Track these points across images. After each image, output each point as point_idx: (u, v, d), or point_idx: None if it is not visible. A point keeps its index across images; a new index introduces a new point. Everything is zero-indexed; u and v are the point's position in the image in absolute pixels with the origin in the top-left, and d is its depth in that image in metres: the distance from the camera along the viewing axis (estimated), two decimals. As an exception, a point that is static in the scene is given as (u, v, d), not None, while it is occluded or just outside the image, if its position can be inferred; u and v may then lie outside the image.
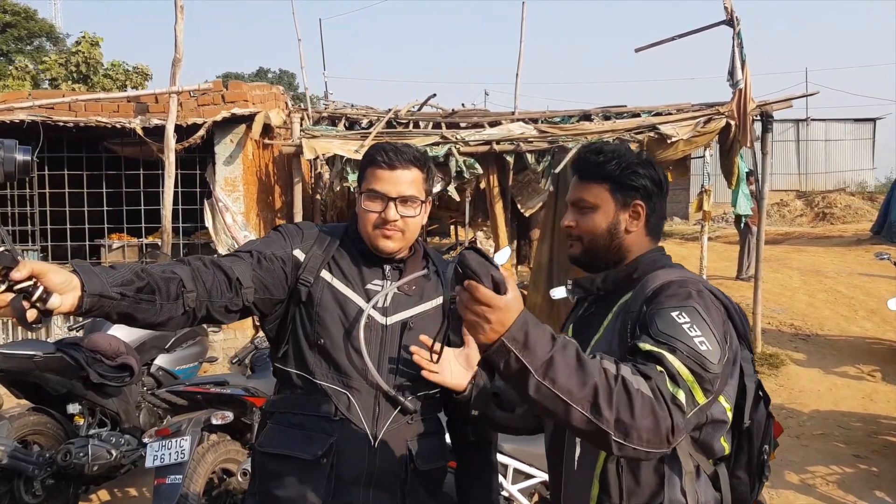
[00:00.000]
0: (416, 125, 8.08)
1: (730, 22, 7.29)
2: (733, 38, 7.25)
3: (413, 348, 1.73)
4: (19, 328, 7.39)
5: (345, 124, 8.41)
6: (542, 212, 8.03)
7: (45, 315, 1.26)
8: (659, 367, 1.25)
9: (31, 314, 1.24)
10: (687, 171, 8.18)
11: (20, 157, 1.27)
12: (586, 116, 8.01)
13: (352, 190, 7.50)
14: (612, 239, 1.59)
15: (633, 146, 7.16)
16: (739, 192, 7.91)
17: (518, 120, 7.85)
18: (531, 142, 7.21)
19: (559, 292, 5.22)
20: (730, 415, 1.45)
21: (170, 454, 3.38)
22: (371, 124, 8.08)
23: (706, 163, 8.47)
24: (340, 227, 1.93)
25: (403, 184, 1.78)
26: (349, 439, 1.71)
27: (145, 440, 3.52)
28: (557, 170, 6.87)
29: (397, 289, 1.82)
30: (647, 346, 1.30)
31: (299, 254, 1.79)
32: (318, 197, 8.08)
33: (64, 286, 1.28)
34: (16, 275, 1.21)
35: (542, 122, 7.78)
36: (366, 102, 9.82)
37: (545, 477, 3.10)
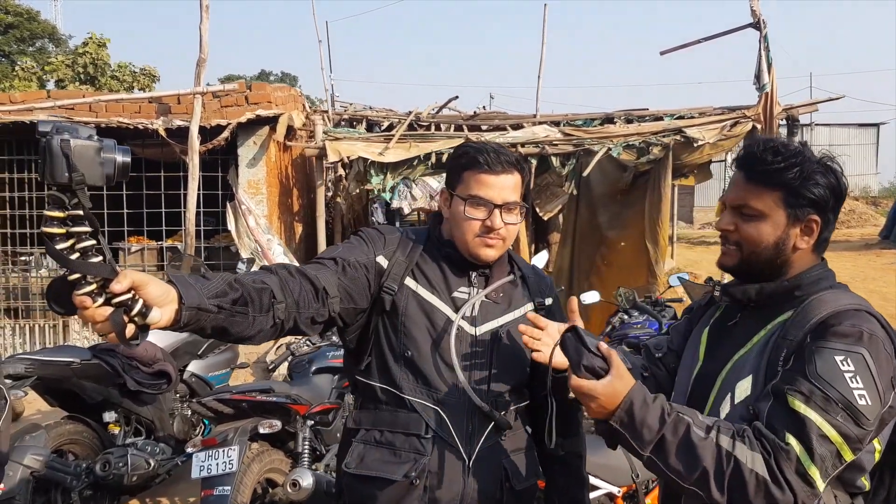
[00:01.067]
0: (438, 127, 8.00)
1: (756, 25, 7.24)
2: (760, 41, 7.19)
3: (521, 327, 1.64)
4: (37, 334, 7.28)
5: (364, 126, 8.34)
6: (560, 215, 7.98)
7: (143, 330, 1.17)
8: (790, 439, 1.20)
9: (130, 329, 1.15)
10: (709, 175, 8.12)
11: (120, 158, 1.15)
12: (609, 119, 7.95)
13: (375, 193, 7.43)
14: (778, 255, 1.42)
15: (656, 150, 7.12)
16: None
17: (540, 123, 7.78)
18: (556, 144, 7.14)
19: (591, 297, 5.09)
20: (878, 456, 1.36)
21: (217, 464, 3.28)
22: (392, 126, 8.00)
23: (729, 166, 8.43)
24: (423, 232, 1.83)
25: (507, 189, 1.68)
26: (443, 459, 1.63)
27: (189, 450, 3.42)
28: (586, 173, 6.80)
29: (485, 297, 1.73)
30: (795, 403, 1.22)
31: (382, 260, 1.69)
32: (338, 200, 7.99)
33: (162, 299, 1.19)
34: (116, 287, 1.12)
35: (564, 125, 7.71)
36: (370, 105, 9.69)
37: (611, 489, 3.02)
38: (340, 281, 1.59)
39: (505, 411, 1.70)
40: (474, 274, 1.74)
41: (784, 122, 7.33)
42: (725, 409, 1.38)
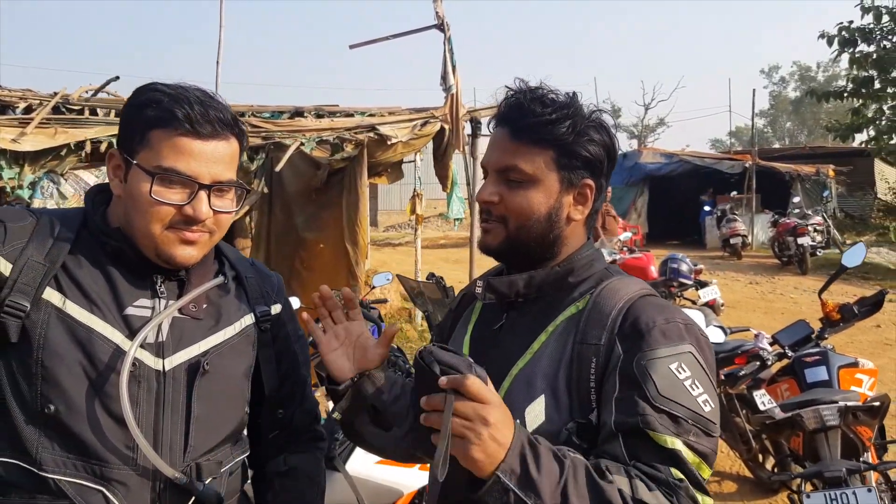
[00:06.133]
0: (94, 112, 6.67)
1: (440, 27, 7.41)
2: (444, 43, 7.38)
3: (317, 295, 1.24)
4: None
5: (-9, 108, 6.59)
6: (248, 217, 7.31)
7: None
8: (676, 473, 1.04)
9: None
10: (401, 175, 8.10)
11: None
12: (299, 113, 7.47)
13: (8, 191, 5.85)
14: (551, 229, 1.21)
15: (350, 147, 6.85)
16: (454, 196, 8.07)
17: (223, 113, 6.94)
18: (243, 137, 6.40)
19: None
20: None
21: None
22: (31, 109, 6.46)
23: (417, 167, 8.54)
24: (74, 216, 1.25)
25: (221, 162, 1.20)
26: None
27: None
28: (279, 168, 6.21)
29: (179, 311, 1.24)
30: (659, 437, 1.05)
31: (2, 263, 1.14)
32: (-48, 200, 6.15)
33: None
34: None
35: (250, 116, 7.02)
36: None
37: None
38: None
39: (215, 477, 1.25)
40: (161, 279, 1.24)
41: (469, 123, 7.61)
42: None
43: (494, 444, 0.95)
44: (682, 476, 1.04)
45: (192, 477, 1.20)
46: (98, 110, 6.79)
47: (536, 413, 1.13)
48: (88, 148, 5.83)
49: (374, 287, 5.70)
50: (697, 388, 1.08)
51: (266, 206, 6.74)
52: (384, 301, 5.43)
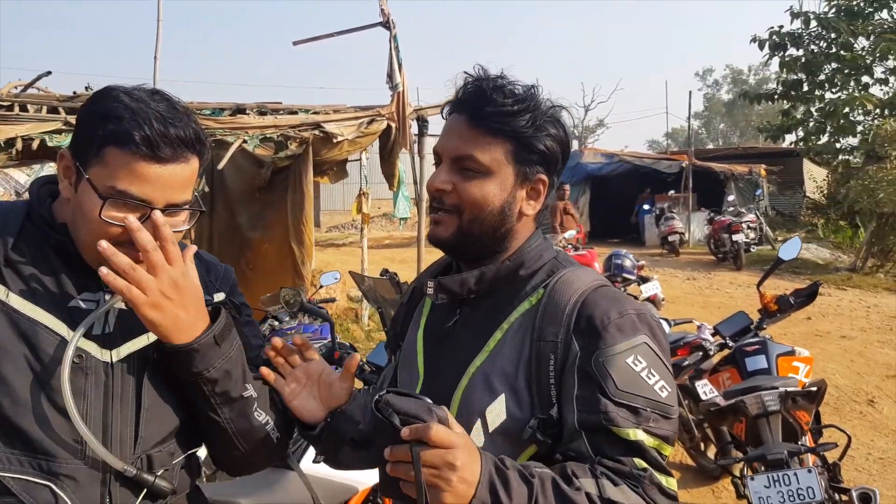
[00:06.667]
0: (24, 109, 6.38)
1: (386, 24, 7.38)
2: (390, 40, 7.35)
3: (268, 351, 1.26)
4: None
5: None
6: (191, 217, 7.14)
7: None
8: (640, 462, 1.08)
9: None
10: (345, 174, 8.04)
11: None
12: (241, 110, 7.29)
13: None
14: (504, 223, 1.20)
15: (294, 145, 6.75)
16: (400, 195, 8.04)
17: (162, 110, 6.73)
18: (183, 135, 6.22)
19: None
20: None
21: None
22: (-46, 105, 6.14)
23: (363, 165, 8.49)
24: (17, 209, 1.23)
25: (177, 187, 1.16)
26: None
27: None
28: (221, 166, 6.06)
29: (123, 303, 1.18)
30: (622, 432, 1.08)
31: None
32: None
33: None
34: None
35: (191, 114, 6.83)
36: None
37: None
38: None
39: (167, 468, 1.23)
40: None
41: (415, 121, 7.60)
42: (478, 441, 1.13)
43: (464, 485, 0.95)
44: (645, 465, 1.07)
45: (143, 469, 1.19)
46: (29, 107, 6.50)
47: (497, 412, 1.14)
48: (19, 145, 5.60)
49: (321, 287, 5.65)
50: (654, 376, 1.11)
51: (208, 206, 6.58)
52: (332, 300, 5.38)
